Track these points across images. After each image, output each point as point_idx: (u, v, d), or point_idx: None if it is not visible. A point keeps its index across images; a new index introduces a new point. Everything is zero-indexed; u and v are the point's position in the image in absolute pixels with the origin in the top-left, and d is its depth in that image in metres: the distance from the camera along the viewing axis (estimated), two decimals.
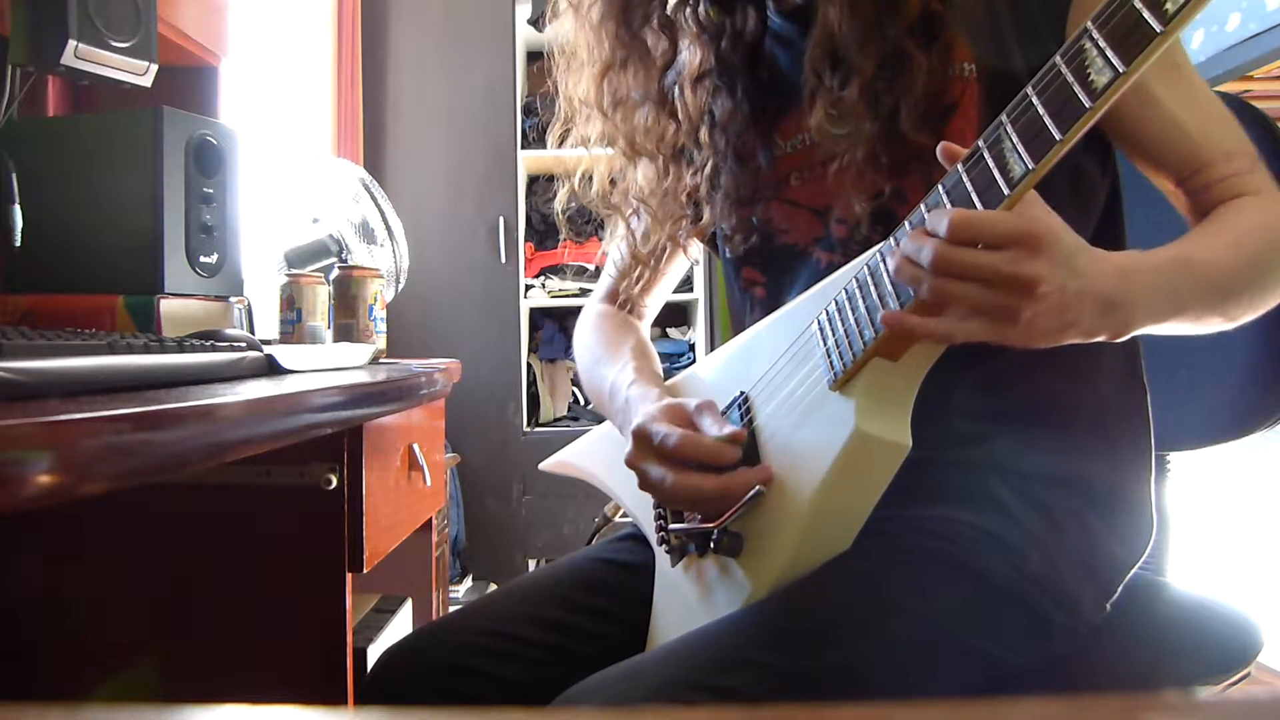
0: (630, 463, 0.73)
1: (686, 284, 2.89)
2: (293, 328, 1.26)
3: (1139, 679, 0.73)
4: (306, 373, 0.85)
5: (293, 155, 2.26)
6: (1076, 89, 0.53)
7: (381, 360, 1.26)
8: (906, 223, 0.64)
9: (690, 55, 0.87)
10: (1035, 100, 0.55)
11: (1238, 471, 2.01)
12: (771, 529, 0.69)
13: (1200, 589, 0.86)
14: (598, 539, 0.95)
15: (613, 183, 0.92)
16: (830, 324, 0.69)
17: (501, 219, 2.86)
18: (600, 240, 1.03)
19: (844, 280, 0.69)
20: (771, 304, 0.82)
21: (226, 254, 1.21)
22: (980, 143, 0.58)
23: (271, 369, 0.80)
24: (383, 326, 1.34)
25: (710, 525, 0.72)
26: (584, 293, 2.86)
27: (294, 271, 1.38)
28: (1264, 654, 0.79)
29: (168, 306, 1.10)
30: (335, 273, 1.32)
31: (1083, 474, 0.74)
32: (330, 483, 0.92)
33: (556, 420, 3.00)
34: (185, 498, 0.93)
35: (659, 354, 0.95)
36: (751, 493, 0.69)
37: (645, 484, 0.72)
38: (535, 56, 3.03)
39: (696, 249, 0.97)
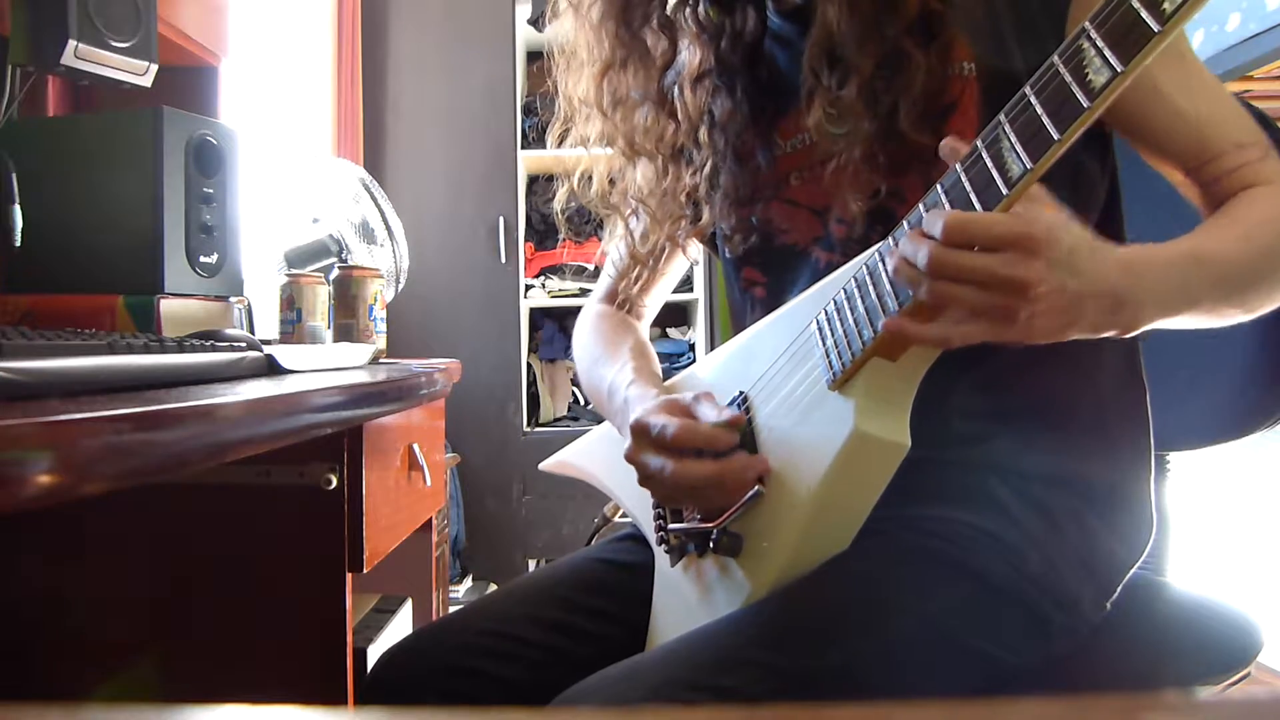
0: (630, 457, 0.73)
1: (686, 284, 2.89)
2: (293, 328, 1.26)
3: (1139, 679, 0.73)
4: (306, 373, 0.85)
5: (293, 155, 2.26)
6: (1074, 89, 0.53)
7: (381, 360, 1.26)
8: (905, 222, 0.64)
9: (690, 55, 0.87)
10: (1033, 100, 0.55)
11: (1238, 471, 2.01)
12: (771, 528, 0.69)
13: (1200, 589, 0.86)
14: (597, 539, 0.95)
15: (612, 182, 0.92)
16: (829, 324, 0.69)
17: (501, 219, 2.86)
18: (600, 240, 1.03)
19: (843, 280, 0.69)
20: (772, 304, 0.82)
21: (226, 254, 1.21)
22: (978, 142, 0.58)
23: (271, 369, 0.80)
24: (383, 326, 1.34)
25: (710, 525, 0.72)
26: (584, 293, 2.86)
27: (294, 271, 1.38)
28: (1264, 654, 0.79)
29: (168, 306, 1.10)
30: (335, 273, 1.32)
31: (1082, 473, 0.74)
32: (330, 483, 0.92)
33: (556, 420, 3.00)
34: (185, 498, 0.93)
35: (659, 354, 0.95)
36: (751, 493, 0.69)
37: (645, 477, 0.72)
38: (535, 56, 3.02)
39: (696, 249, 0.97)
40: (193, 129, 1.16)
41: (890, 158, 0.73)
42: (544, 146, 2.86)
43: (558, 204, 0.95)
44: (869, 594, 0.67)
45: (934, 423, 0.68)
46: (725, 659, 0.62)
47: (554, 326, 3.05)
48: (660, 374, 0.88)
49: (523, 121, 2.92)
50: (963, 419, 0.73)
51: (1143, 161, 0.75)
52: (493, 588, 2.74)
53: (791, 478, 0.68)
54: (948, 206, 0.60)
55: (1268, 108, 0.83)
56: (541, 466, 1.06)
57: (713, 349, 1.76)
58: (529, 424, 2.93)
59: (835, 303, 0.69)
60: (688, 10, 0.85)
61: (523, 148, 2.90)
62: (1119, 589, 0.74)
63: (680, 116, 0.86)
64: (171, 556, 0.97)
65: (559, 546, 2.80)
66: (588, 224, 2.59)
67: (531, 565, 2.86)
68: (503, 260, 2.86)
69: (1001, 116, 0.57)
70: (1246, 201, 0.68)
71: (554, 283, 2.93)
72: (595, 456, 0.99)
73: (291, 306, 1.26)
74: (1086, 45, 0.53)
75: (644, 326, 1.00)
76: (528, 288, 2.92)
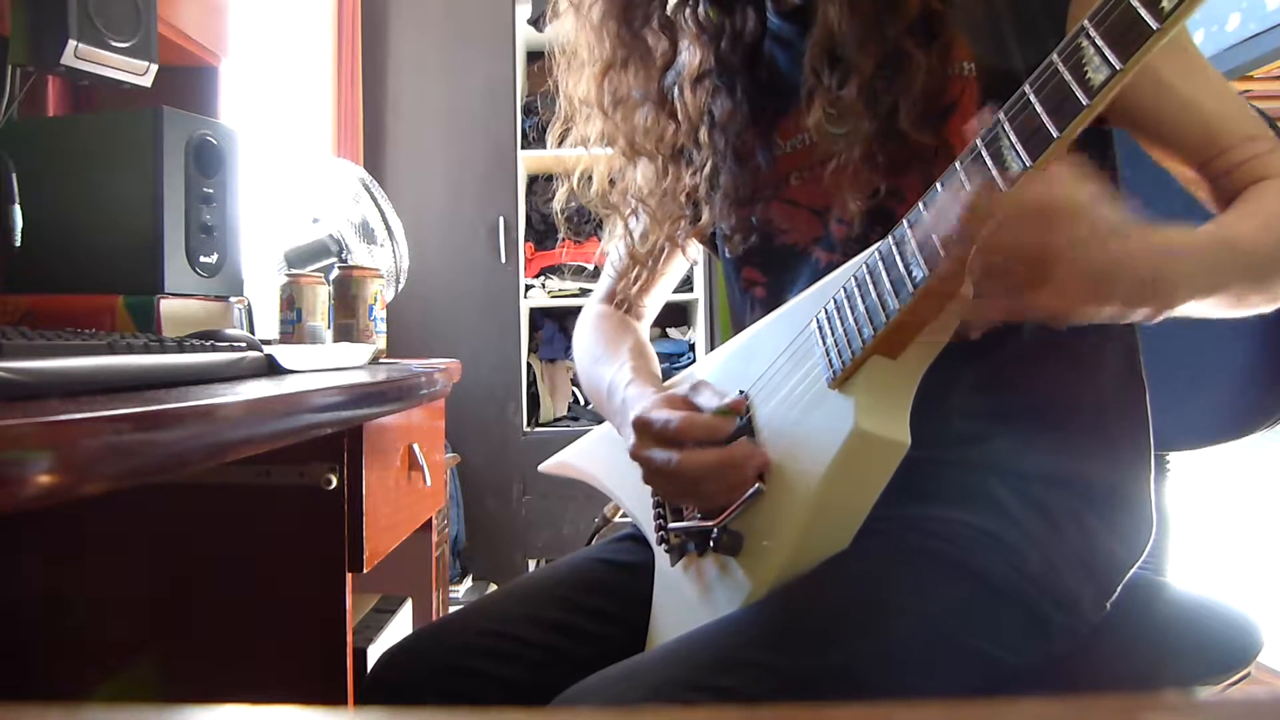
0: (634, 454, 0.73)
1: (686, 284, 2.89)
2: (293, 328, 1.26)
3: (1139, 679, 0.73)
4: (306, 373, 0.85)
5: (293, 155, 2.26)
6: (1074, 87, 0.53)
7: (381, 360, 1.26)
8: (905, 221, 0.64)
9: (690, 56, 0.87)
10: (1033, 98, 0.55)
11: (1238, 471, 2.01)
12: (771, 527, 0.69)
13: (1200, 589, 0.86)
14: (597, 539, 0.95)
15: (612, 183, 0.92)
16: (829, 322, 0.70)
17: (501, 219, 2.86)
18: (599, 240, 1.03)
19: (843, 279, 0.69)
20: (772, 304, 0.82)
21: (226, 254, 1.21)
22: (978, 141, 0.58)
23: (271, 369, 0.80)
24: (383, 326, 1.34)
25: (710, 523, 0.72)
26: (584, 293, 2.86)
27: (294, 271, 1.38)
28: (1264, 654, 0.79)
29: (168, 306, 1.10)
30: (335, 273, 1.32)
31: (1082, 473, 0.74)
32: (330, 483, 0.92)
33: (556, 420, 3.00)
34: (185, 498, 0.93)
35: (659, 354, 0.95)
36: (751, 490, 0.69)
37: (650, 472, 0.73)
38: (535, 56, 3.02)
39: (695, 249, 0.97)
40: (193, 129, 1.16)
41: (890, 157, 0.73)
42: (544, 146, 2.87)
43: (557, 204, 0.95)
44: (869, 594, 0.67)
45: (934, 422, 0.68)
46: (725, 659, 0.62)
47: (554, 326, 3.05)
48: (659, 374, 0.88)
49: (523, 121, 2.92)
50: (963, 419, 0.73)
51: (1142, 162, 0.75)
52: (493, 588, 2.74)
53: (792, 476, 0.68)
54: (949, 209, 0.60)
55: (1268, 108, 0.83)
56: (541, 468, 1.06)
57: (713, 349, 1.76)
58: (529, 424, 2.93)
59: (835, 301, 0.69)
60: (688, 11, 0.85)
61: (523, 148, 2.90)
62: (1119, 589, 0.74)
63: (680, 117, 0.86)
64: (171, 556, 0.97)
65: (559, 546, 2.80)
66: (587, 224, 2.59)
67: (531, 565, 2.86)
68: (503, 260, 2.86)
69: (1001, 115, 0.57)
70: (1261, 194, 0.68)
71: (554, 283, 2.93)
72: (595, 457, 0.99)
73: (291, 306, 1.26)
74: (1085, 44, 0.53)
75: (644, 327, 1.01)
76: (528, 288, 2.92)
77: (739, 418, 0.73)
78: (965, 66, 0.72)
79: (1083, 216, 0.55)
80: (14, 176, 1.09)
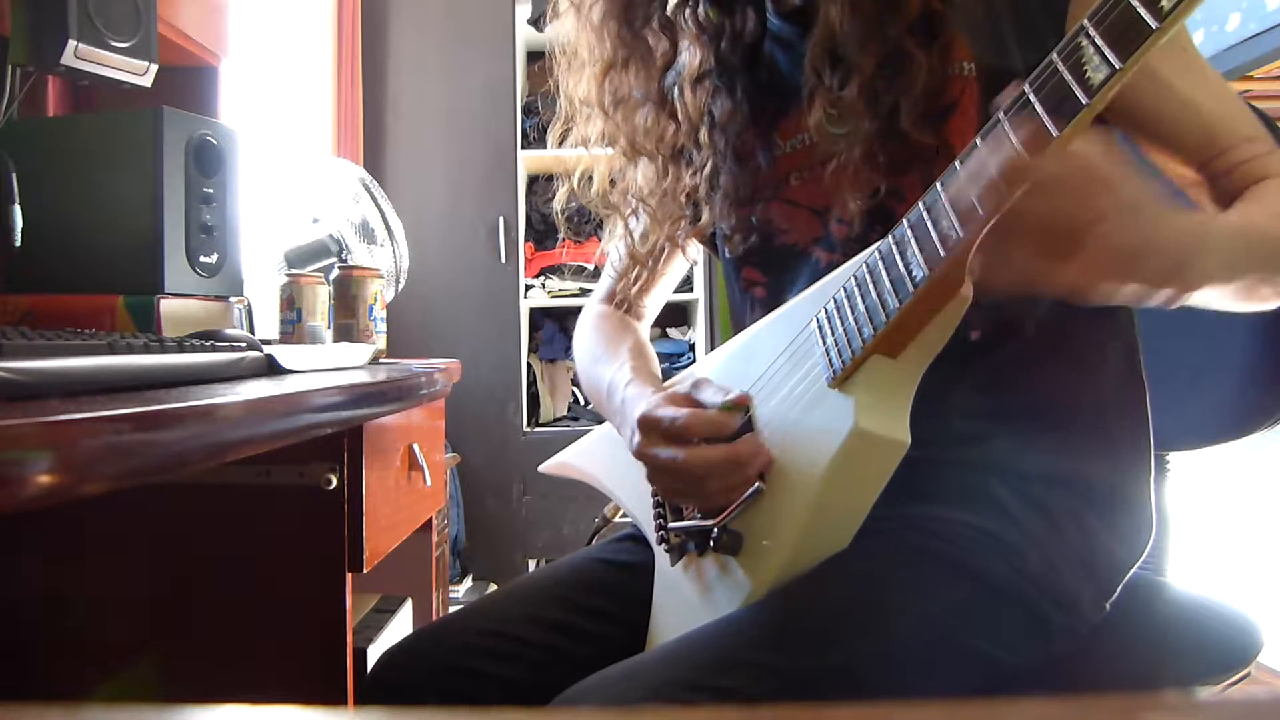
0: (640, 452, 0.73)
1: (686, 284, 2.89)
2: (293, 328, 1.26)
3: (1139, 679, 0.73)
4: (306, 373, 0.85)
5: (293, 155, 2.26)
6: (1073, 86, 0.53)
7: (381, 360, 1.26)
8: (905, 220, 0.64)
9: (690, 56, 0.87)
10: (1032, 97, 0.55)
11: (1238, 471, 2.01)
12: (771, 526, 0.69)
13: (1200, 589, 0.86)
14: (597, 540, 0.95)
15: (612, 183, 0.92)
16: (829, 322, 0.70)
17: (501, 219, 2.86)
18: (599, 240, 1.03)
19: (843, 279, 0.69)
20: (772, 304, 0.82)
21: (226, 254, 1.21)
22: (978, 140, 0.58)
23: (271, 369, 0.80)
24: (383, 326, 1.34)
25: (710, 523, 0.72)
26: (584, 293, 2.87)
27: (294, 271, 1.38)
28: (1264, 654, 0.79)
29: (168, 306, 1.10)
30: (335, 273, 1.32)
31: (1082, 473, 0.74)
32: (330, 483, 0.92)
33: (556, 420, 3.00)
34: (185, 498, 0.93)
35: (659, 354, 0.96)
36: (751, 489, 0.69)
37: (656, 470, 0.73)
38: (535, 56, 3.02)
39: (695, 250, 0.97)
40: (193, 129, 1.16)
41: (890, 157, 0.73)
42: (544, 146, 2.88)
43: (558, 204, 0.95)
44: (869, 594, 0.67)
45: (934, 422, 0.68)
46: (725, 659, 0.62)
47: (554, 326, 3.05)
48: (659, 374, 0.88)
49: (523, 121, 2.92)
50: (963, 419, 0.73)
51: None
52: (493, 588, 2.74)
53: (792, 475, 0.68)
54: (948, 205, 0.60)
55: (1268, 108, 0.83)
56: (541, 468, 1.06)
57: (713, 349, 1.76)
58: (529, 424, 2.93)
59: (835, 301, 0.69)
60: (688, 11, 0.85)
61: (523, 148, 2.90)
62: (1119, 589, 0.74)
63: (680, 117, 0.86)
64: (171, 556, 0.97)
65: (559, 546, 2.80)
66: (588, 224, 2.59)
67: (531, 565, 2.86)
68: (503, 260, 2.86)
69: (1000, 113, 0.57)
70: (1265, 191, 0.68)
71: (554, 283, 2.93)
72: (595, 457, 0.99)
73: (291, 306, 1.26)
74: (1085, 43, 0.53)
75: (644, 327, 1.01)
76: (528, 288, 2.92)
77: (743, 413, 0.73)
78: (965, 66, 0.72)
79: (1119, 190, 0.55)
80: (14, 176, 1.09)
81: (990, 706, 0.19)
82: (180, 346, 0.69)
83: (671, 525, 0.77)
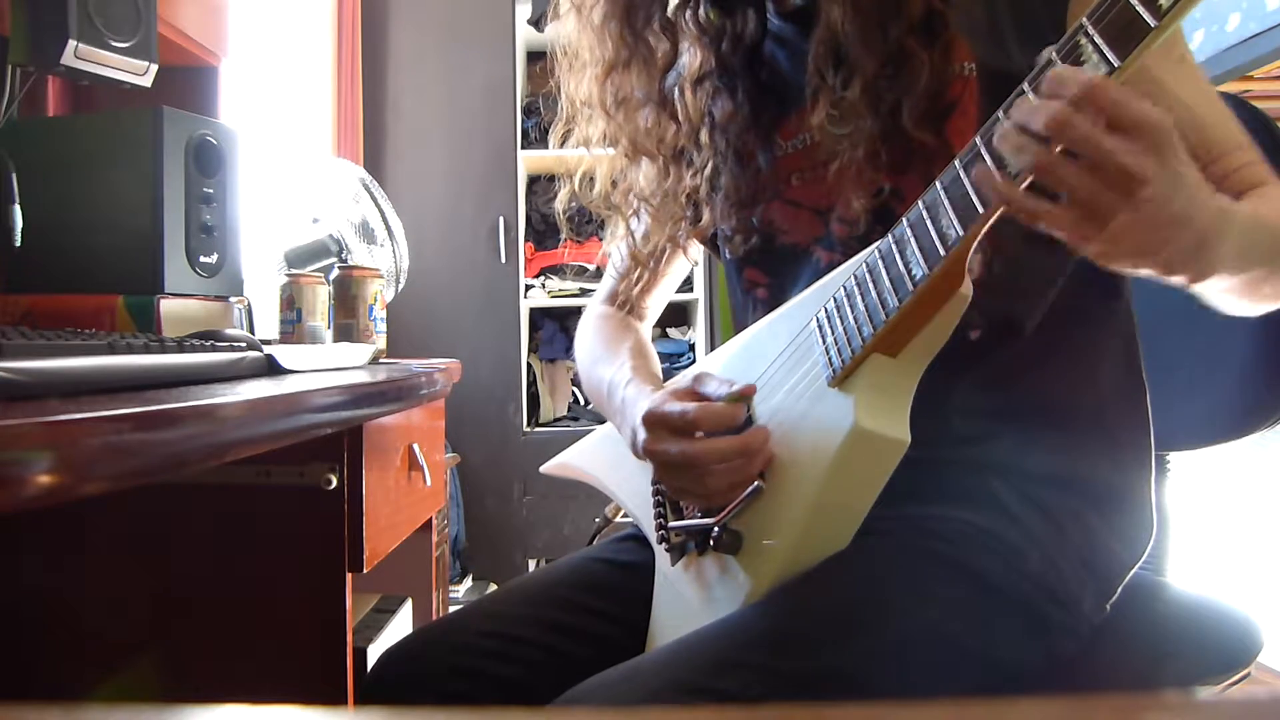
0: (649, 448, 0.73)
1: (686, 284, 2.89)
2: (293, 328, 1.26)
3: (1139, 679, 0.73)
4: (306, 373, 0.85)
5: (293, 155, 2.26)
6: None
7: (381, 360, 1.26)
8: (904, 219, 0.64)
9: (691, 57, 0.87)
10: (1031, 96, 0.55)
11: (1238, 471, 2.01)
12: (771, 525, 0.69)
13: (1200, 589, 0.86)
14: (599, 540, 0.95)
15: (614, 183, 0.92)
16: (829, 321, 0.70)
17: (501, 219, 2.86)
18: (600, 240, 1.03)
19: (843, 278, 0.70)
20: (774, 304, 0.82)
21: (226, 254, 1.21)
22: (977, 139, 0.58)
23: (271, 369, 0.80)
24: (383, 326, 1.34)
25: (710, 521, 0.72)
26: (584, 293, 2.87)
27: (294, 271, 1.38)
28: (1264, 654, 0.79)
29: (168, 306, 1.10)
30: (335, 273, 1.32)
31: (1083, 473, 0.74)
32: (330, 483, 0.92)
33: (556, 420, 3.00)
34: (185, 498, 0.93)
35: (659, 354, 0.96)
36: (751, 488, 0.69)
37: (664, 466, 0.73)
38: (535, 56, 3.02)
39: (696, 250, 0.97)
40: (193, 129, 1.16)
41: (892, 156, 0.73)
42: (544, 147, 2.88)
43: (559, 204, 0.95)
44: (868, 594, 0.67)
45: (935, 422, 0.68)
46: (725, 661, 0.62)
47: (554, 326, 3.05)
48: (660, 374, 0.88)
49: (523, 121, 2.92)
50: (963, 418, 0.73)
51: None
52: (493, 588, 2.73)
53: (792, 474, 0.69)
54: (947, 204, 0.60)
55: (1268, 108, 0.84)
56: (543, 469, 1.06)
57: (713, 349, 1.76)
58: (529, 424, 2.93)
59: (835, 300, 0.69)
60: (688, 13, 0.85)
61: (523, 148, 2.90)
62: (1120, 589, 0.74)
63: (681, 118, 0.86)
64: (172, 556, 0.97)
65: (559, 546, 2.80)
66: (588, 224, 2.59)
67: (531, 565, 2.86)
68: (503, 260, 2.86)
69: (1000, 113, 0.57)
70: (1266, 193, 0.68)
71: (554, 283, 2.93)
72: (596, 457, 0.99)
73: (291, 306, 1.26)
74: (1084, 41, 0.53)
75: (646, 328, 1.01)
76: (528, 288, 2.92)
77: (748, 404, 0.73)
78: (966, 67, 0.72)
79: (1180, 154, 0.53)
80: (14, 176, 1.09)
81: (990, 706, 0.19)
82: (180, 346, 0.69)
83: (672, 524, 0.77)
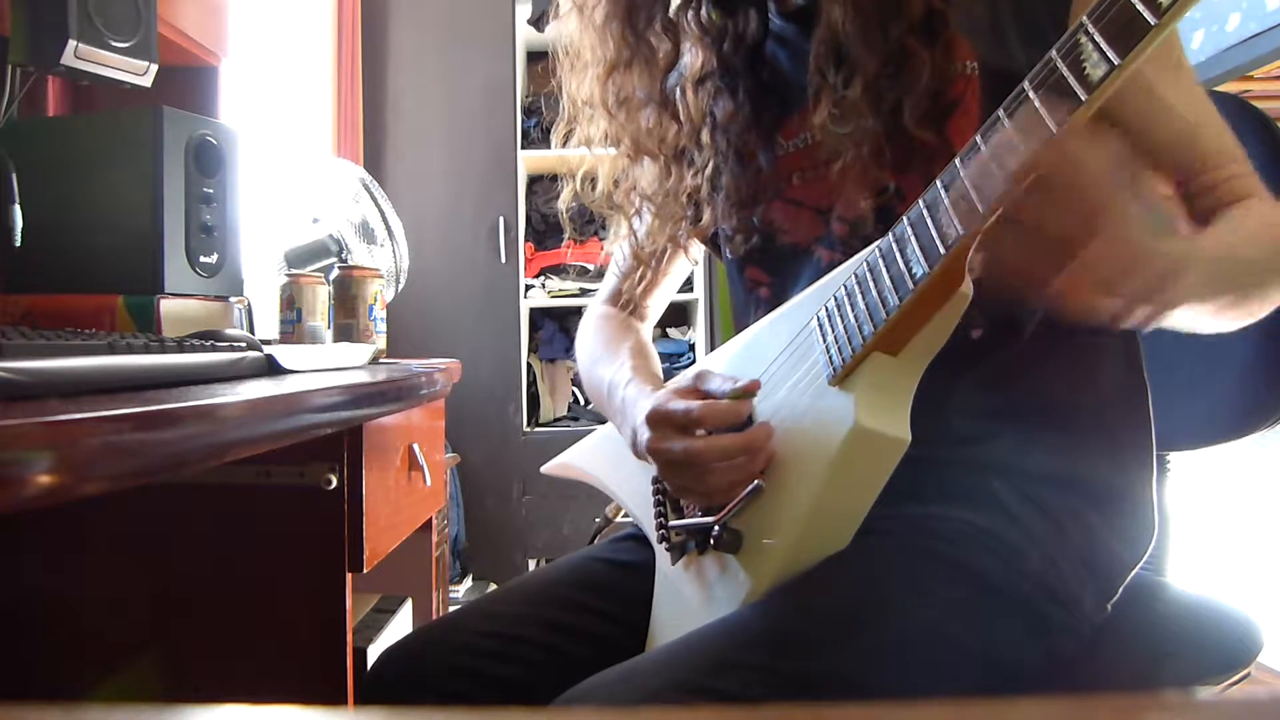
0: (653, 446, 0.73)
1: (686, 284, 2.88)
2: (293, 328, 1.26)
3: (1139, 679, 0.73)
4: (306, 373, 0.85)
5: (293, 155, 2.26)
6: (1072, 82, 0.53)
7: (381, 360, 1.26)
8: (905, 218, 0.64)
9: (692, 57, 0.87)
10: (1031, 94, 0.55)
11: (1238, 471, 2.01)
12: (771, 524, 0.69)
13: (1200, 589, 0.86)
14: (599, 540, 0.95)
15: (616, 183, 0.93)
16: (830, 320, 0.70)
17: (501, 219, 2.86)
18: (601, 240, 1.03)
19: (843, 277, 0.70)
20: (775, 304, 0.82)
21: (226, 254, 1.21)
22: (978, 138, 0.58)
23: (271, 369, 0.80)
24: (383, 326, 1.34)
25: (710, 520, 0.72)
26: (584, 293, 2.87)
27: (294, 271, 1.38)
28: (1264, 654, 0.79)
29: (168, 306, 1.10)
30: (335, 273, 1.32)
31: (1084, 473, 0.74)
32: (330, 483, 0.92)
33: (556, 420, 3.00)
34: (185, 498, 0.93)
35: (659, 354, 0.96)
36: (751, 486, 0.69)
37: (669, 463, 0.73)
38: (535, 56, 3.03)
39: (698, 250, 0.97)
40: (193, 129, 1.16)
41: (893, 155, 0.73)
42: (544, 146, 2.88)
43: (562, 203, 0.96)
44: (868, 594, 0.67)
45: (935, 421, 0.68)
46: (724, 661, 0.62)
47: (554, 326, 3.05)
48: (660, 374, 0.88)
49: (523, 121, 2.92)
50: (964, 418, 0.73)
51: None
52: (493, 588, 2.73)
53: (792, 472, 0.69)
54: (947, 202, 0.60)
55: (1268, 108, 0.84)
56: (543, 470, 1.06)
57: (713, 349, 1.76)
58: (529, 424, 2.93)
59: (836, 299, 0.69)
60: (690, 13, 0.85)
61: (523, 148, 2.90)
62: (1121, 589, 0.74)
63: (682, 118, 0.86)
64: (172, 556, 0.97)
65: (559, 546, 2.80)
66: (589, 224, 2.59)
67: (531, 565, 2.86)
68: (503, 260, 2.86)
69: (1000, 111, 0.57)
70: (1245, 211, 0.68)
71: (554, 283, 2.93)
72: (596, 457, 0.99)
73: (291, 306, 1.26)
74: (1084, 39, 0.53)
75: (647, 328, 1.01)
76: (528, 288, 2.92)
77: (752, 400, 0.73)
78: (968, 66, 0.72)
79: (1116, 205, 0.54)
80: (14, 176, 1.09)
81: (990, 706, 0.19)
82: (180, 346, 0.69)
83: (672, 523, 0.77)
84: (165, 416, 0.50)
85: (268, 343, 0.91)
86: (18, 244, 1.09)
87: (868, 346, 0.65)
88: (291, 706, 0.20)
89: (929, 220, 0.61)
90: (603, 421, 0.96)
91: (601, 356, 0.91)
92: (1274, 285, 0.66)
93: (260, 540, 0.95)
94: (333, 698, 0.93)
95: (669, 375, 0.88)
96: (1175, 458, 0.96)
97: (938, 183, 0.61)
